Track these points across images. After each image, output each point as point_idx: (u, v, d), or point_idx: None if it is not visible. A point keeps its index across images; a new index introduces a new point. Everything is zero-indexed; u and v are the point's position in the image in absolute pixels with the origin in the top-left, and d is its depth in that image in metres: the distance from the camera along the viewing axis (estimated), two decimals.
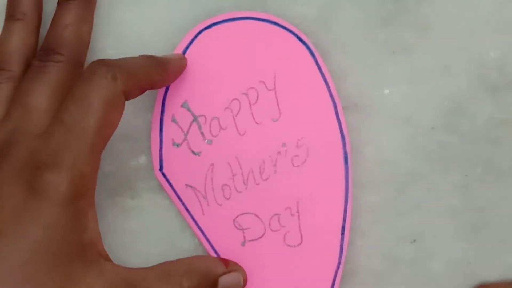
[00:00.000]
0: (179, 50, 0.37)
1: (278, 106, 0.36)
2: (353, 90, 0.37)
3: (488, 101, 0.37)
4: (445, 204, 0.37)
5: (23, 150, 0.31)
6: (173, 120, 0.37)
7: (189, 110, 0.37)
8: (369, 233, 0.37)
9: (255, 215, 0.36)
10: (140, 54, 0.34)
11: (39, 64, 0.34)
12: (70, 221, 0.31)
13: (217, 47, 0.37)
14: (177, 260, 0.34)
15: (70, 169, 0.30)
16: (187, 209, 0.36)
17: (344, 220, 0.36)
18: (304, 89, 0.36)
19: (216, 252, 0.36)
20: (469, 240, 0.37)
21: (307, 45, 0.36)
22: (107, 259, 0.33)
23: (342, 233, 0.36)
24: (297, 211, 0.36)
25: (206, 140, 0.37)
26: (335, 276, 0.36)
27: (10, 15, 0.36)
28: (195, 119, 0.37)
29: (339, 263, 0.36)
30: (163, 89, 0.37)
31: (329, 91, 0.36)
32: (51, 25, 0.35)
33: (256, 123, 0.36)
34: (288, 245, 0.36)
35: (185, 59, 0.37)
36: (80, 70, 0.33)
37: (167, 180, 0.37)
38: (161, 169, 0.37)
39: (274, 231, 0.36)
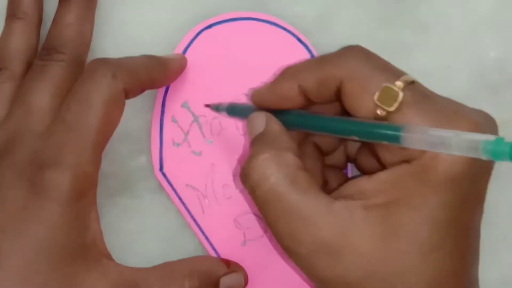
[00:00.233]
0: (179, 50, 0.37)
1: None
2: None
3: (488, 101, 0.37)
4: None
5: (25, 149, 0.31)
6: (173, 120, 0.37)
7: (189, 110, 0.37)
8: None
9: (255, 215, 0.36)
10: (140, 54, 0.34)
11: (41, 63, 0.34)
12: (72, 220, 0.31)
13: (217, 47, 0.37)
14: (178, 260, 0.34)
15: (72, 168, 0.30)
16: (187, 209, 0.36)
17: None
18: None
19: (216, 252, 0.36)
20: None
21: (306, 46, 0.37)
22: (109, 258, 0.33)
23: None
24: None
25: (207, 140, 0.37)
26: None
27: (11, 14, 0.36)
28: (195, 119, 0.37)
29: None
30: (163, 89, 0.37)
31: None
32: (52, 24, 0.35)
33: None
34: None
35: (185, 59, 0.37)
36: (81, 69, 0.33)
37: (167, 180, 0.36)
38: (161, 169, 0.36)
39: None
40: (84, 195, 0.31)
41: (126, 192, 0.37)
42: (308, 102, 0.30)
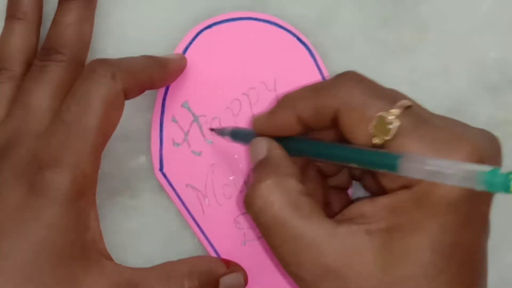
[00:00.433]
0: (179, 50, 0.37)
1: None
2: None
3: (488, 101, 0.37)
4: None
5: (24, 150, 0.31)
6: (173, 120, 0.37)
7: (189, 110, 0.37)
8: None
9: None
10: (140, 54, 0.34)
11: (41, 64, 0.34)
12: (72, 220, 0.31)
13: (217, 47, 0.37)
14: (178, 260, 0.34)
15: (72, 168, 0.30)
16: (187, 209, 0.36)
17: None
18: None
19: (216, 252, 0.36)
20: None
21: (306, 45, 0.37)
22: (109, 258, 0.33)
23: None
24: None
25: (207, 140, 0.37)
26: None
27: (11, 15, 0.36)
28: (195, 119, 0.37)
29: None
30: (163, 89, 0.37)
31: None
32: (52, 24, 0.35)
33: None
34: None
35: (185, 59, 0.37)
36: (81, 70, 0.33)
37: (167, 180, 0.36)
38: (161, 169, 0.36)
39: None
40: (84, 195, 0.31)
41: (126, 192, 0.37)
42: (307, 129, 0.31)
